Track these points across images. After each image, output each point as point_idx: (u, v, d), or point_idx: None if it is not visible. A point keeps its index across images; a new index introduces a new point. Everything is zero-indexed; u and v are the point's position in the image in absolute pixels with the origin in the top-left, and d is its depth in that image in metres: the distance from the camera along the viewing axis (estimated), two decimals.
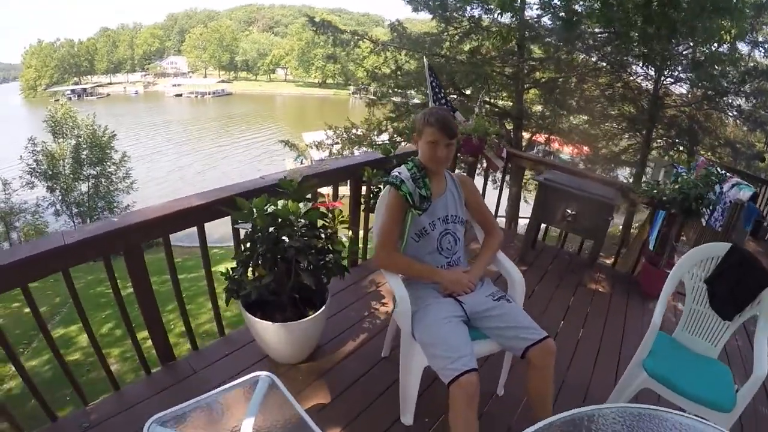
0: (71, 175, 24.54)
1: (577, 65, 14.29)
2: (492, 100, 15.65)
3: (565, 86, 14.49)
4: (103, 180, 25.28)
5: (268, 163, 46.01)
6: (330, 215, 3.25)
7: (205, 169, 44.01)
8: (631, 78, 14.39)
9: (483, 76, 13.94)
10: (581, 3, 12.18)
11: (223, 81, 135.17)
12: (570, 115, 15.74)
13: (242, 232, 3.16)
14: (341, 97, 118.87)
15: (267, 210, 2.91)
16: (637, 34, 11.83)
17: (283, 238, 2.95)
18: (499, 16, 13.33)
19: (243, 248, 3.10)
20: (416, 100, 16.40)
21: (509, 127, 15.23)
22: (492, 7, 13.19)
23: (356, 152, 15.88)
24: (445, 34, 14.87)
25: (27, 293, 2.57)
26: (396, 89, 15.75)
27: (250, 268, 3.13)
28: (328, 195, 3.92)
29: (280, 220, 2.96)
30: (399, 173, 2.81)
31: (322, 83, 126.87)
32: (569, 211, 5.39)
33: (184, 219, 3.19)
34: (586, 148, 16.54)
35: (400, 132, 15.91)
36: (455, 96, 14.56)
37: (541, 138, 16.88)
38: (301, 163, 38.23)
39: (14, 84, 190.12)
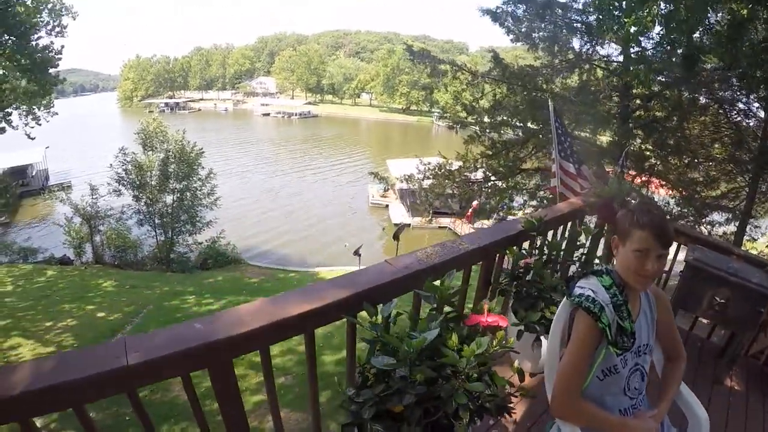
0: (157, 187, 25.06)
1: (684, 103, 13.00)
2: (592, 138, 14.61)
3: (668, 124, 13.19)
4: (188, 194, 25.75)
5: (354, 185, 46.04)
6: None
7: (296, 191, 44.57)
8: (739, 118, 12.95)
9: (597, 116, 12.90)
10: (703, 38, 11.00)
11: (309, 103, 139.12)
12: (671, 156, 14.36)
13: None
14: (424, 123, 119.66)
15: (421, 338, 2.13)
16: (761, 74, 10.48)
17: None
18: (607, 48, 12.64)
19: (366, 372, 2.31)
20: (509, 134, 15.40)
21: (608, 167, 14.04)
22: (601, 39, 12.42)
23: (447, 187, 15.24)
24: (547, 69, 13.88)
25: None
26: (494, 126, 14.84)
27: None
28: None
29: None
30: (595, 293, 2.14)
31: (405, 109, 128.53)
32: (718, 298, 4.46)
33: (291, 328, 2.38)
34: (681, 191, 15.08)
35: (495, 170, 15.19)
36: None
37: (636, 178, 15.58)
38: (385, 190, 38.40)
39: (112, 94, 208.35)
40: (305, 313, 2.29)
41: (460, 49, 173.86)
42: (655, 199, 15.54)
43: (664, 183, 14.77)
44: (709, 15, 7.47)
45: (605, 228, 5.11)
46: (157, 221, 25.23)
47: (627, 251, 2.12)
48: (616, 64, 13.11)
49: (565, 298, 2.33)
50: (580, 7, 12.90)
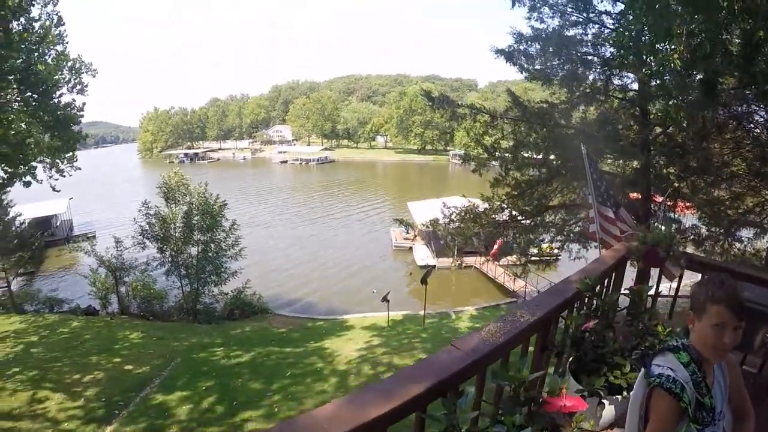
0: (182, 239, 25.22)
1: (706, 126, 12.88)
2: (613, 169, 14.48)
3: (686, 145, 13.04)
4: (212, 245, 25.86)
5: (376, 229, 46.11)
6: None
7: (319, 238, 44.31)
8: (758, 131, 12.83)
9: (619, 149, 12.84)
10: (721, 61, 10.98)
11: (326, 149, 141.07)
12: (694, 176, 14.14)
13: None
14: (441, 162, 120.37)
15: None
16: None
17: None
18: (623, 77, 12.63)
19: None
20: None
21: (634, 195, 13.86)
22: (619, 71, 12.45)
23: (473, 229, 15.12)
24: (564, 104, 13.89)
25: None
26: (517, 165, 14.80)
27: None
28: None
29: None
30: (674, 372, 2.17)
31: (421, 149, 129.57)
32: None
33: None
34: (708, 211, 14.76)
35: (521, 210, 15.11)
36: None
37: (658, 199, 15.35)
38: (407, 232, 38.35)
39: (132, 145, 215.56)
40: (382, 415, 2.22)
41: (470, 86, 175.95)
42: (683, 222, 15.37)
43: (689, 205, 14.61)
44: (725, 37, 7.46)
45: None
46: (182, 272, 25.33)
47: (704, 326, 2.15)
48: (632, 93, 13.14)
49: (642, 376, 2.34)
50: (591, 38, 12.99)
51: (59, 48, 30.10)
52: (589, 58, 13.04)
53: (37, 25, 27.87)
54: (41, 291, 28.10)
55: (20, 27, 24.21)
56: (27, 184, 27.59)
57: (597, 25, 12.94)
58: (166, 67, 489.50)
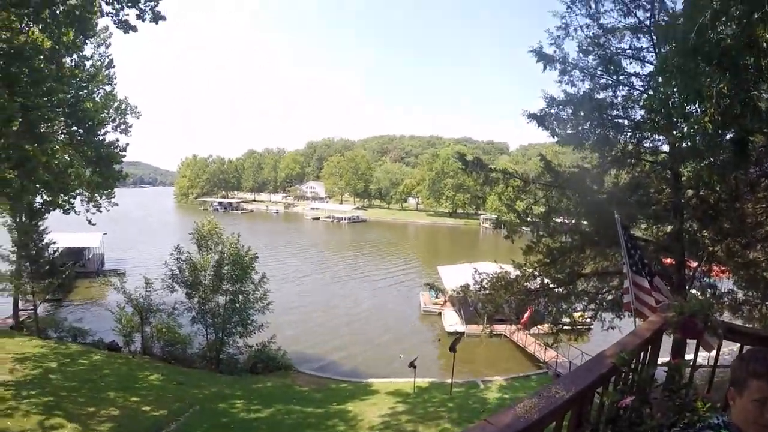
0: (210, 287, 25.53)
1: (738, 186, 12.59)
2: (646, 235, 14.16)
3: (719, 207, 12.70)
4: (240, 296, 26.03)
5: (406, 292, 45.77)
6: None
7: (348, 298, 44.06)
8: None
9: (652, 214, 12.64)
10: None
11: (358, 208, 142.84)
12: (727, 239, 13.69)
13: None
14: (472, 226, 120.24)
15: None
16: None
17: None
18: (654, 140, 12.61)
19: None
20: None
21: (668, 261, 13.47)
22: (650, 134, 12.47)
23: (504, 297, 14.84)
24: (595, 169, 13.85)
25: None
26: (550, 232, 14.63)
27: None
28: None
29: None
30: None
31: (452, 213, 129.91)
32: None
33: None
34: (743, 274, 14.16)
35: (554, 278, 14.83)
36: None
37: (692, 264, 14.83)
38: (437, 297, 37.90)
39: (169, 188, 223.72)
40: None
41: (501, 149, 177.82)
42: (718, 286, 14.84)
43: (724, 269, 14.14)
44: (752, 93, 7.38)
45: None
46: (208, 320, 25.43)
47: (745, 402, 2.09)
48: (663, 155, 13.07)
49: None
50: (621, 101, 13.03)
51: (107, 88, 32.02)
52: (620, 121, 13.14)
53: (88, 63, 29.81)
54: (66, 319, 28.72)
55: (72, 63, 25.86)
56: (66, 212, 28.67)
57: (627, 88, 13.08)
58: (206, 115, 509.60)
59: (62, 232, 34.35)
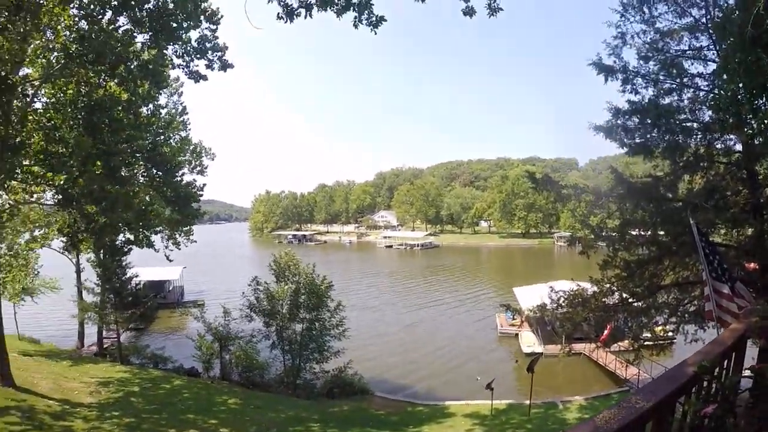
0: (287, 315, 26.12)
1: None
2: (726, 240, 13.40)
3: None
4: (317, 324, 26.49)
5: (481, 315, 45.08)
6: None
7: (424, 323, 43.80)
8: None
9: (730, 218, 11.95)
10: None
11: (430, 234, 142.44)
12: None
13: None
14: (545, 245, 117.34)
15: None
16: None
17: None
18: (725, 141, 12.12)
19: None
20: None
21: (751, 266, 12.59)
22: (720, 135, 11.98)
23: (582, 314, 14.36)
24: (668, 176, 13.26)
25: None
26: (626, 245, 14.09)
27: None
28: None
29: None
30: None
31: (525, 233, 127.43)
32: None
33: None
34: None
35: (632, 292, 14.22)
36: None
37: None
38: (513, 318, 37.12)
39: (244, 224, 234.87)
40: None
41: (570, 166, 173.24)
42: None
43: None
44: None
45: None
46: (286, 347, 25.98)
47: None
48: (737, 155, 12.49)
49: None
50: (687, 104, 12.64)
51: (183, 133, 34.25)
52: (688, 125, 12.72)
53: (164, 111, 32.02)
54: (149, 347, 30.24)
55: (149, 112, 27.78)
56: (149, 246, 30.56)
57: (692, 90, 12.69)
58: (277, 152, 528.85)
59: (145, 266, 36.29)
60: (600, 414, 2.81)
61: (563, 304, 15.01)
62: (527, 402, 20.91)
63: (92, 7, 15.56)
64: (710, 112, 12.07)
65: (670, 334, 15.38)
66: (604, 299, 14.38)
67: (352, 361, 25.92)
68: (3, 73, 14.55)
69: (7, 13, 13.71)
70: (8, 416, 13.93)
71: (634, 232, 14.15)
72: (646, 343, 15.93)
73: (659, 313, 14.35)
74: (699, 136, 12.73)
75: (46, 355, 25.34)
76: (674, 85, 12.72)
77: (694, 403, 3.37)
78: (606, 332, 17.93)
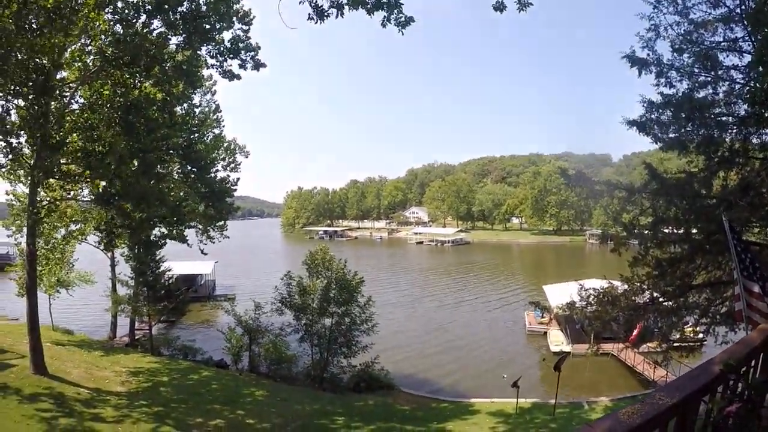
0: (318, 310, 26.32)
1: None
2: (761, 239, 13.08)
3: None
4: (346, 319, 26.62)
5: (510, 312, 44.91)
6: None
7: (451, 318, 43.59)
8: None
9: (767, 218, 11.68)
10: None
11: (461, 230, 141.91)
12: None
13: None
14: (577, 243, 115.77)
15: None
16: None
17: None
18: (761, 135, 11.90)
19: None
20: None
21: None
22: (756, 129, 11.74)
23: (611, 313, 14.16)
24: (703, 172, 12.96)
25: None
26: (658, 243, 13.84)
27: None
28: None
29: None
30: None
31: (557, 230, 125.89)
32: None
33: None
34: None
35: (663, 291, 13.98)
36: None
37: None
38: (542, 316, 36.78)
39: (275, 220, 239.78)
40: None
41: (603, 161, 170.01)
42: None
43: None
44: None
45: None
46: (314, 341, 26.32)
47: None
48: None
49: None
50: (722, 97, 12.30)
51: (216, 131, 35.00)
52: (724, 119, 12.38)
53: (198, 110, 32.73)
54: (179, 338, 30.86)
55: (183, 111, 28.40)
56: (181, 241, 31.29)
57: (727, 83, 12.35)
58: (310, 149, 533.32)
59: (178, 260, 37.05)
60: (623, 409, 2.85)
61: (592, 302, 14.81)
62: (552, 401, 20.72)
63: (127, 11, 16.02)
64: (746, 106, 11.77)
65: (701, 335, 15.08)
66: (633, 298, 14.13)
67: (379, 356, 26.03)
68: (42, 77, 15.09)
69: (44, 19, 14.21)
70: (40, 403, 14.58)
71: (666, 230, 13.89)
72: (675, 344, 15.65)
73: (690, 314, 14.06)
74: (734, 131, 12.39)
75: (78, 345, 26.12)
76: (709, 78, 12.36)
77: (718, 402, 3.35)
78: (635, 332, 17.66)
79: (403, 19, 9.18)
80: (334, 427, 16.62)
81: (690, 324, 14.66)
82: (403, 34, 9.41)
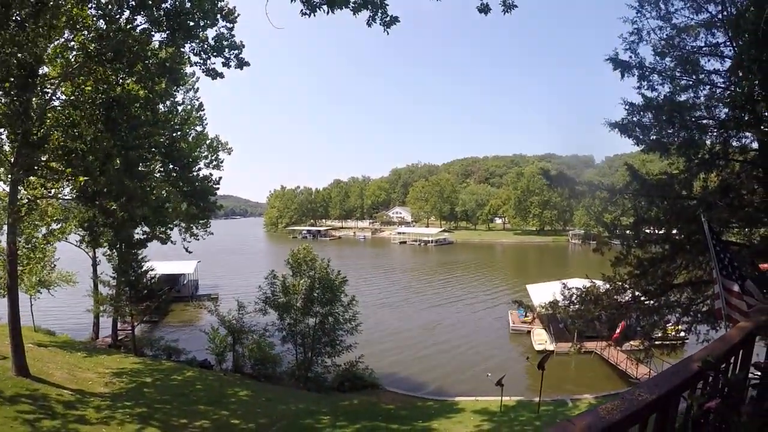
0: (301, 309, 26.34)
1: None
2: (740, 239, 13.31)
3: None
4: (330, 318, 26.69)
5: (493, 311, 45.32)
6: None
7: (434, 317, 43.75)
8: None
9: (744, 217, 11.89)
10: None
11: (444, 230, 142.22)
12: None
13: None
14: (560, 243, 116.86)
15: None
16: None
17: None
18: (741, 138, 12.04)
19: None
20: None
21: (765, 266, 12.49)
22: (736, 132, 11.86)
23: (594, 312, 14.33)
24: (683, 174, 13.17)
25: None
26: (639, 243, 14.03)
27: None
28: None
29: None
30: None
31: (540, 230, 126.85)
32: None
33: None
34: None
35: (644, 290, 14.18)
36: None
37: None
38: (525, 315, 36.89)
39: (259, 219, 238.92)
40: None
41: (586, 163, 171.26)
42: None
43: None
44: None
45: None
46: (298, 341, 26.27)
47: None
48: (753, 153, 12.33)
49: None
50: (703, 101, 12.45)
51: (199, 128, 34.78)
52: (704, 122, 12.53)
53: (180, 108, 32.50)
54: (162, 339, 30.62)
55: (166, 109, 28.15)
56: (164, 242, 31.20)
57: (708, 86, 12.51)
58: (293, 148, 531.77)
59: (160, 260, 36.81)
60: (603, 405, 2.85)
61: (575, 301, 14.97)
62: (537, 399, 20.91)
63: (110, 7, 15.83)
64: (726, 109, 11.96)
65: (682, 333, 15.31)
66: (616, 297, 14.30)
67: (363, 355, 26.08)
68: (23, 72, 14.87)
69: (27, 14, 14.00)
70: (21, 405, 14.40)
71: (647, 230, 14.10)
72: (657, 342, 15.87)
73: (671, 312, 14.29)
74: (715, 133, 12.57)
75: (61, 347, 25.81)
76: (690, 82, 12.54)
77: (698, 398, 3.38)
78: (618, 331, 17.89)
79: (388, 19, 9.30)
80: (320, 426, 16.60)
81: (672, 322, 14.88)
82: (388, 33, 9.52)
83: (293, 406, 19.51)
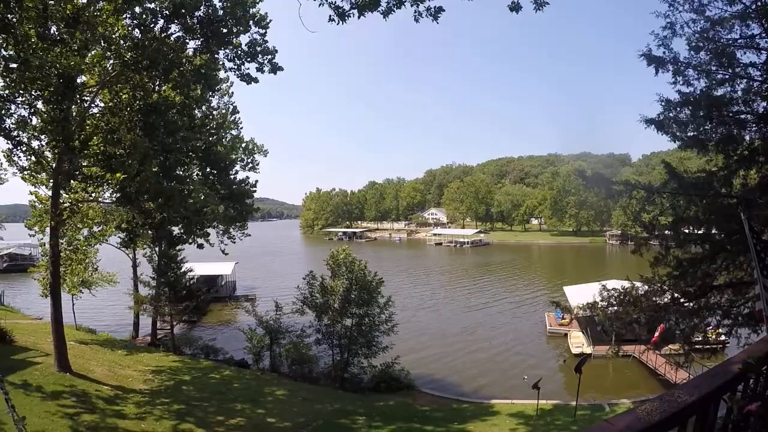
0: (339, 310, 26.47)
1: None
2: None
3: None
4: (366, 319, 26.75)
5: (530, 313, 44.85)
6: None
7: (471, 320, 43.62)
8: None
9: None
10: None
11: (480, 231, 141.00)
12: None
13: None
14: (597, 244, 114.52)
15: None
16: None
17: None
18: None
19: None
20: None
21: None
22: None
23: (632, 314, 13.98)
24: (722, 171, 12.73)
25: None
26: (678, 242, 13.64)
27: None
28: None
29: None
30: None
31: (576, 231, 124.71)
32: None
33: None
34: None
35: (683, 291, 13.78)
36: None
37: None
38: (562, 317, 36.31)
39: (295, 221, 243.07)
40: None
41: (622, 161, 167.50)
42: None
43: None
44: None
45: None
46: (335, 341, 26.49)
47: None
48: None
49: None
50: (741, 95, 12.09)
51: (234, 132, 35.44)
52: (743, 117, 12.18)
53: (216, 113, 33.18)
54: (201, 338, 31.33)
55: (202, 114, 28.76)
56: (200, 246, 31.88)
57: (745, 80, 12.13)
58: (328, 151, 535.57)
59: (198, 262, 37.73)
60: (643, 405, 2.83)
61: (614, 303, 14.65)
62: (573, 403, 20.55)
63: (145, 16, 16.27)
64: (765, 103, 11.61)
65: (723, 337, 14.83)
66: (655, 298, 13.94)
67: (399, 357, 26.07)
68: (62, 82, 15.39)
69: (65, 26, 14.49)
70: (63, 399, 14.93)
71: (686, 230, 13.71)
72: (697, 346, 15.41)
73: (712, 315, 13.85)
74: (754, 128, 12.20)
75: (102, 344, 26.63)
76: (726, 76, 12.18)
77: (738, 401, 3.32)
78: (657, 334, 17.41)
79: (433, 10, 9.31)
80: (355, 426, 16.69)
81: (712, 325, 14.43)
82: (437, 22, 9.48)
83: (329, 405, 19.65)
